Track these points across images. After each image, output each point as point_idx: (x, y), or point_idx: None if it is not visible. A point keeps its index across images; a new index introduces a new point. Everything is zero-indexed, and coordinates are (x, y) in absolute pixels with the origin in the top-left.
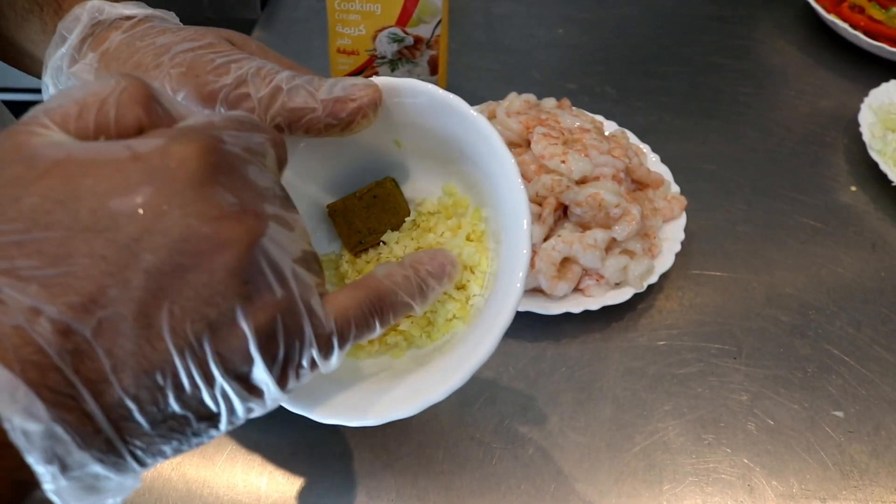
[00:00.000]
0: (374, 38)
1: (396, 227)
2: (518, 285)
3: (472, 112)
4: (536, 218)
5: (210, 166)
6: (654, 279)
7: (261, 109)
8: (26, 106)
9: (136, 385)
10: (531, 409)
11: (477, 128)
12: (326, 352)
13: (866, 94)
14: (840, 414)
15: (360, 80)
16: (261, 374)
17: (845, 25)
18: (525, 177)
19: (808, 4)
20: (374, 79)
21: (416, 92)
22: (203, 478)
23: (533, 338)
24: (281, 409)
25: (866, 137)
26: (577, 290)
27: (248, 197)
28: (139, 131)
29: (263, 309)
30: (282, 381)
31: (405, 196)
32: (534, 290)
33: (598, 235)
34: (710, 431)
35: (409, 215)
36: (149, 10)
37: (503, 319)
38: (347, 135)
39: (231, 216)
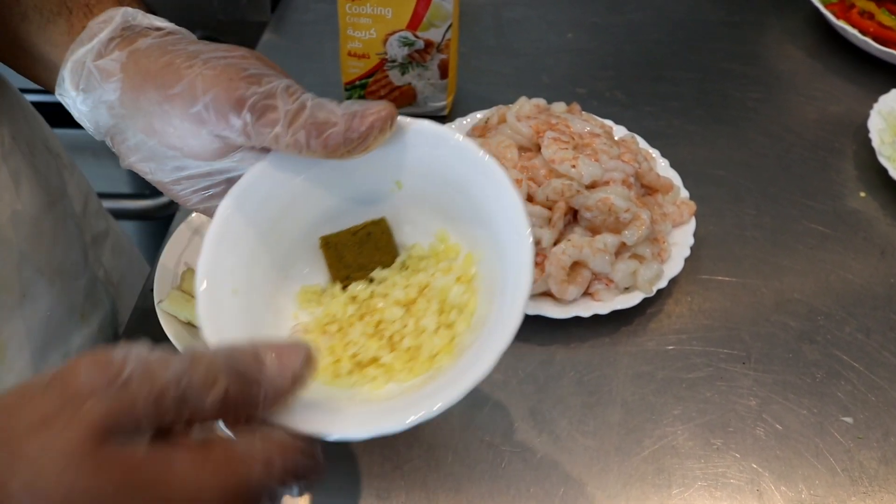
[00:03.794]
0: (385, 41)
1: (386, 266)
2: (517, 310)
3: (484, 155)
4: (546, 222)
5: None
6: (663, 284)
7: (285, 121)
8: (53, 107)
9: None
10: (540, 412)
11: (487, 173)
12: None
13: (875, 100)
14: (849, 420)
15: (375, 101)
16: None
17: (854, 31)
18: (535, 181)
19: (818, 10)
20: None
21: (425, 134)
22: None
23: (542, 341)
24: None
25: (875, 143)
26: (586, 294)
27: None
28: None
29: None
30: None
31: (396, 238)
32: (543, 294)
33: (608, 240)
34: (719, 436)
35: (398, 258)
36: (179, 28)
37: (511, 324)
38: (362, 152)
39: None
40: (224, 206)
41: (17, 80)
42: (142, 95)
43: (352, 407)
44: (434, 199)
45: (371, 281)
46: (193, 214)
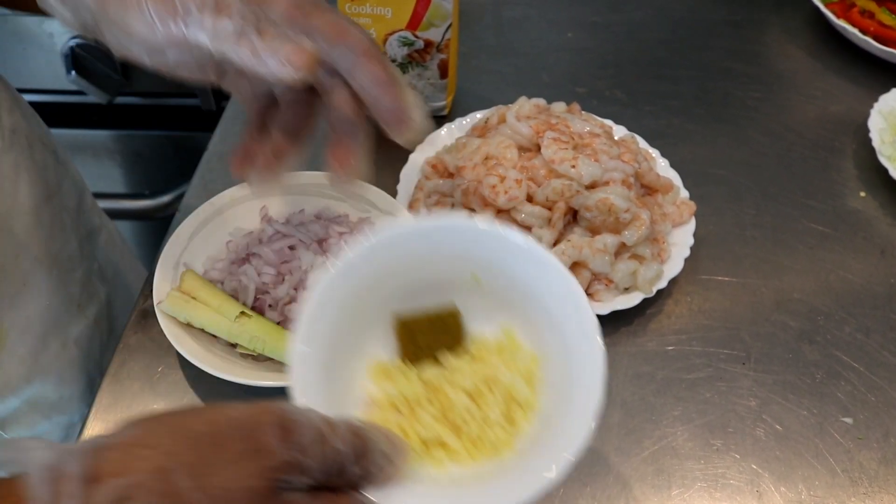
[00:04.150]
0: (385, 41)
1: (455, 353)
2: (586, 425)
3: (559, 264)
4: (546, 222)
5: None
6: (663, 284)
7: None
8: (49, 107)
9: None
10: None
11: (561, 281)
12: None
13: (876, 100)
14: (849, 420)
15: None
16: None
17: (855, 31)
18: (535, 181)
19: (818, 9)
20: (453, 215)
21: (504, 237)
22: None
23: None
24: None
25: (876, 143)
26: (586, 294)
27: None
28: None
29: None
30: None
31: (466, 328)
32: None
33: (608, 240)
34: (719, 437)
35: (466, 345)
36: None
37: (579, 438)
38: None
39: None
40: (318, 282)
41: (14, 81)
42: (107, 5)
43: (418, 486)
44: (505, 296)
45: (440, 365)
46: (191, 216)
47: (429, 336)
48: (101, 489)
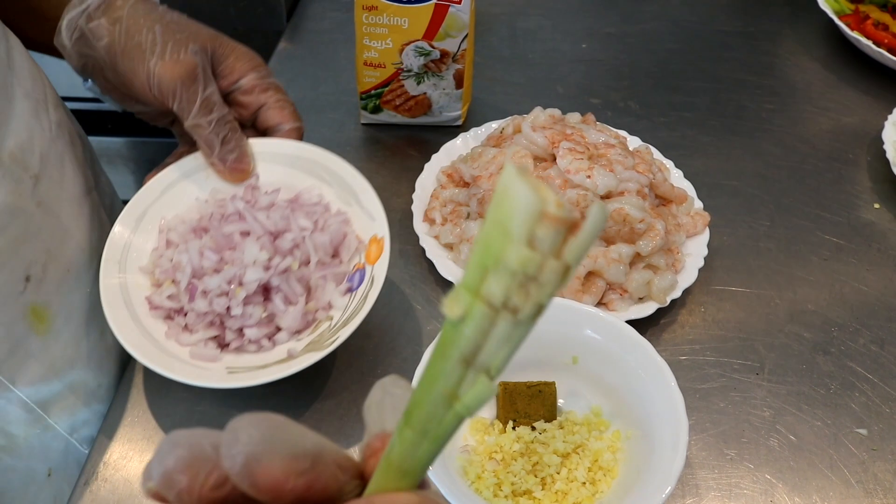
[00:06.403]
0: (401, 51)
1: (547, 420)
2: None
3: (650, 347)
4: None
5: None
6: (677, 294)
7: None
8: (90, 115)
9: None
10: None
11: (656, 371)
12: None
13: (890, 111)
14: (863, 431)
15: (239, 167)
16: None
17: (869, 43)
18: None
19: (832, 21)
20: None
21: (609, 325)
22: None
23: None
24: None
25: (890, 154)
26: (600, 303)
27: None
28: None
29: None
30: None
31: (558, 402)
32: None
33: (623, 250)
34: (733, 447)
35: (557, 417)
36: None
37: None
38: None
39: None
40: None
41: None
42: (118, 65)
43: None
44: (599, 377)
45: (533, 429)
46: (179, 162)
47: (526, 403)
48: None
